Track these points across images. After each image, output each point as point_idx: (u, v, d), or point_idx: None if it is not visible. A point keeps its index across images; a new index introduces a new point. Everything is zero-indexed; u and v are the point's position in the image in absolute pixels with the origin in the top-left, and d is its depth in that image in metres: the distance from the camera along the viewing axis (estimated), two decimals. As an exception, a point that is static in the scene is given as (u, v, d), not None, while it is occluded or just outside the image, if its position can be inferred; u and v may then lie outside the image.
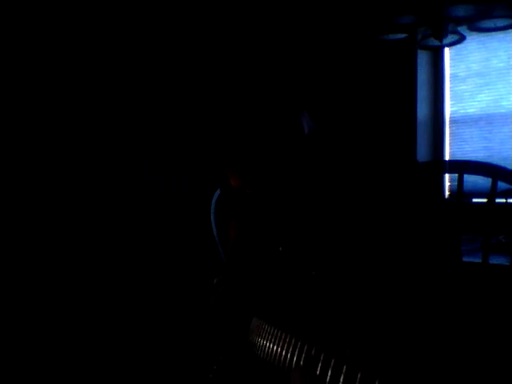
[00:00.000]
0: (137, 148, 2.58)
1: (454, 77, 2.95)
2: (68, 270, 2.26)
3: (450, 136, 2.98)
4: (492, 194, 1.60)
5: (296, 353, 0.69)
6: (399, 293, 0.80)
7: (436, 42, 2.32)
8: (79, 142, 2.35)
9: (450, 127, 2.97)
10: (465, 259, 1.81)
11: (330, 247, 0.86)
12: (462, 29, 2.32)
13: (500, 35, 2.69)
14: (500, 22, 2.20)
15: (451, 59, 2.95)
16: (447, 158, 2.98)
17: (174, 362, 2.24)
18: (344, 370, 0.59)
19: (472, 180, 1.82)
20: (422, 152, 2.91)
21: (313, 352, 0.65)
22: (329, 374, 0.62)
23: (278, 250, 0.90)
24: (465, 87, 2.91)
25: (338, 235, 0.85)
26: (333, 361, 0.62)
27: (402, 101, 2.90)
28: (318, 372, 0.63)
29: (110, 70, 2.46)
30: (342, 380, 0.59)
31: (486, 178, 1.62)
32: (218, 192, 1.92)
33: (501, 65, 2.78)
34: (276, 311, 0.85)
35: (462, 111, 2.93)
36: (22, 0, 2.15)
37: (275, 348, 0.75)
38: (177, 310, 2.41)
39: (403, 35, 2.42)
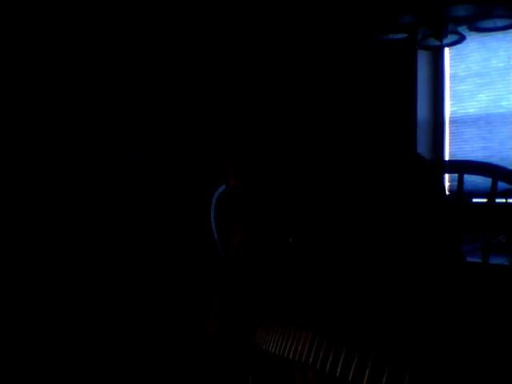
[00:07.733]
0: (137, 148, 2.58)
1: (453, 77, 2.95)
2: (68, 271, 2.26)
3: (450, 136, 2.98)
4: (492, 194, 1.60)
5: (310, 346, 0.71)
6: (402, 289, 0.81)
7: (436, 42, 2.31)
8: (79, 143, 2.35)
9: (449, 127, 2.97)
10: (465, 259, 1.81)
11: (335, 241, 0.86)
12: (462, 29, 2.32)
13: (500, 35, 2.69)
14: (500, 22, 2.19)
15: (451, 59, 2.95)
16: (447, 158, 2.98)
17: (171, 366, 2.24)
18: (354, 363, 0.60)
19: (472, 180, 1.82)
20: (422, 152, 2.90)
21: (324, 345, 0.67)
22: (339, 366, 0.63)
23: (288, 241, 0.90)
24: (464, 87, 2.91)
25: (340, 230, 0.85)
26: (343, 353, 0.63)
27: (401, 101, 2.90)
28: (328, 365, 0.64)
29: (111, 72, 2.46)
30: (352, 373, 0.61)
31: (485, 178, 1.62)
32: (218, 191, 1.92)
33: (501, 65, 2.78)
34: (288, 307, 0.85)
35: (461, 111, 2.93)
36: None
37: (289, 342, 0.76)
38: (176, 311, 2.41)
39: (403, 35, 2.41)
